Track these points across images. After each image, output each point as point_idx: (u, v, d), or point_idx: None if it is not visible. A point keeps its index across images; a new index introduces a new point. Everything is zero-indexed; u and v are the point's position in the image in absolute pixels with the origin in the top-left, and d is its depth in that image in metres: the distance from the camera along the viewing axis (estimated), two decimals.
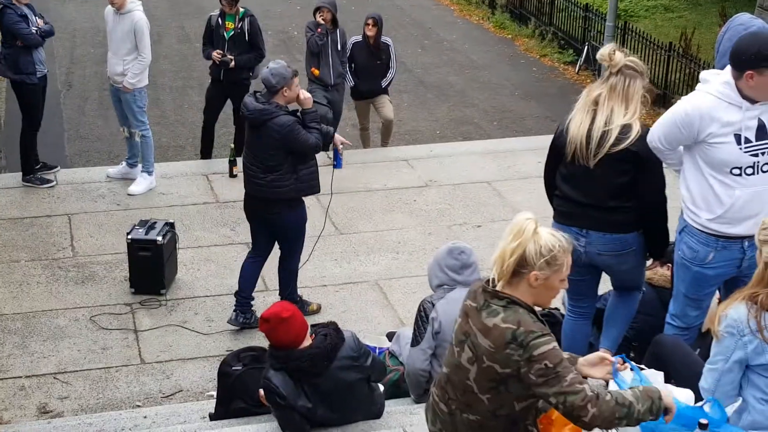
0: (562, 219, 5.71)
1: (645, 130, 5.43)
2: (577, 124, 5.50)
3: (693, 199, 5.30)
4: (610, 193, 5.51)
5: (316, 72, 10.67)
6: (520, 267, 3.85)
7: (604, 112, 5.44)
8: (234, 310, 7.72)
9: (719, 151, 5.11)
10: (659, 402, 3.88)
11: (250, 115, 7.18)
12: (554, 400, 3.78)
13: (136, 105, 9.91)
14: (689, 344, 5.51)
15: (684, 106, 5.17)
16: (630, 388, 3.97)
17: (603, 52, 5.46)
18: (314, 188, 7.50)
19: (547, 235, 3.86)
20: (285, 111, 7.18)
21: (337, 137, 8.22)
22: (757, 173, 5.14)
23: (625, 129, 5.39)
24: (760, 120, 5.09)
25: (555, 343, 3.81)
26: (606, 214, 5.56)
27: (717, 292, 5.79)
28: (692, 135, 5.14)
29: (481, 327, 3.90)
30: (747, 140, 5.08)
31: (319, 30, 10.66)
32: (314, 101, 7.57)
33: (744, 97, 5.06)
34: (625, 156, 5.39)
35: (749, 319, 4.28)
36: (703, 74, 5.27)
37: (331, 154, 8.53)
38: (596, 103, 5.49)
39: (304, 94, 7.31)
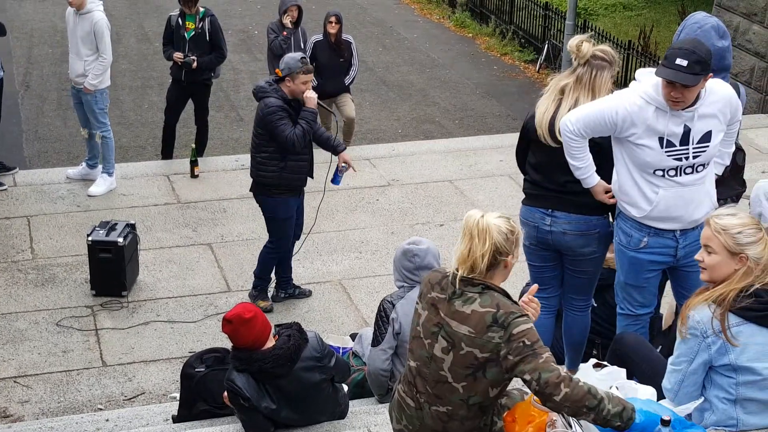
0: (529, 201, 5.85)
1: None
2: (542, 111, 5.60)
3: (621, 193, 5.40)
4: (575, 179, 5.56)
5: (280, 74, 10.62)
6: (495, 259, 3.97)
7: (569, 102, 5.51)
8: (275, 288, 8.13)
9: (643, 152, 5.19)
10: (631, 412, 3.90)
11: (253, 91, 7.59)
12: (529, 377, 3.86)
13: (98, 107, 9.82)
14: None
15: (616, 104, 5.20)
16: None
17: (571, 44, 5.52)
18: (296, 188, 7.65)
19: (500, 221, 4.00)
20: (279, 96, 7.37)
21: (345, 156, 7.95)
22: (680, 175, 5.23)
23: None
24: (686, 126, 5.15)
25: (532, 324, 3.92)
26: (571, 197, 5.65)
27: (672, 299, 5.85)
28: (615, 130, 5.22)
29: (456, 315, 3.97)
30: (670, 143, 5.16)
31: (284, 33, 10.64)
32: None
33: None
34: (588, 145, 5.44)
35: (713, 319, 4.28)
36: (638, 73, 5.32)
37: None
38: (562, 92, 5.57)
39: (309, 95, 7.49)
